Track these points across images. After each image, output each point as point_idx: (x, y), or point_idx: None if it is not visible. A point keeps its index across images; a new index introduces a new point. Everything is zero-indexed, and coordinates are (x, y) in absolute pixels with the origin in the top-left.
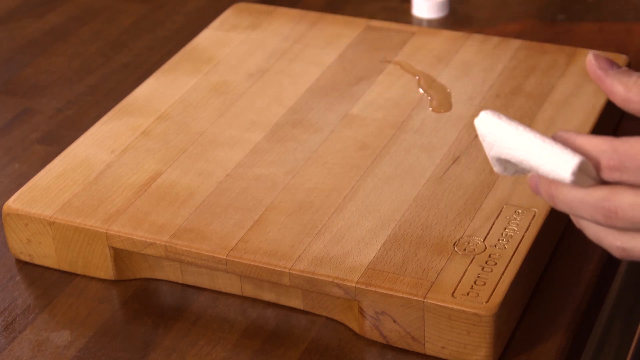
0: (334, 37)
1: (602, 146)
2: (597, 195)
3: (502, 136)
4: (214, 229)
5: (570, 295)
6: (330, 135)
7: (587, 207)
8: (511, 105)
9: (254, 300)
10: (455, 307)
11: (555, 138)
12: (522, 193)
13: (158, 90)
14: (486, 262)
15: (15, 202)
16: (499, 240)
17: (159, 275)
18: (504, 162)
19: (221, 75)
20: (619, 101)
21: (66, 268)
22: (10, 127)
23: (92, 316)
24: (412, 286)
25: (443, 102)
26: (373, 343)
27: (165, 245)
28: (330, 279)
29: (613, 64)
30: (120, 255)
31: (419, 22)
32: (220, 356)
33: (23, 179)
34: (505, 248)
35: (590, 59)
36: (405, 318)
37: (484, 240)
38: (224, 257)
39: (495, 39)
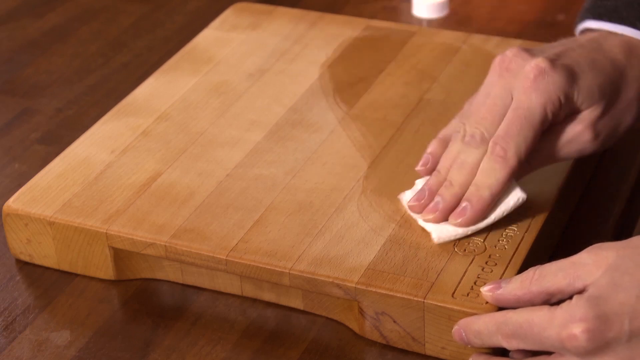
0: (334, 37)
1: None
2: None
3: None
4: (214, 229)
5: None
6: (330, 135)
7: None
8: None
9: (254, 300)
10: (455, 307)
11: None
12: None
13: (158, 90)
14: (486, 263)
15: (15, 202)
16: (499, 240)
17: (159, 275)
18: None
19: (221, 75)
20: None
21: (66, 268)
22: (10, 127)
23: (92, 316)
24: (412, 286)
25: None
26: (373, 343)
27: (165, 245)
28: (330, 279)
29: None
30: (120, 255)
31: (419, 22)
32: (220, 356)
33: (23, 179)
34: (505, 248)
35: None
36: (405, 318)
37: (484, 240)
38: (224, 257)
39: (495, 39)
